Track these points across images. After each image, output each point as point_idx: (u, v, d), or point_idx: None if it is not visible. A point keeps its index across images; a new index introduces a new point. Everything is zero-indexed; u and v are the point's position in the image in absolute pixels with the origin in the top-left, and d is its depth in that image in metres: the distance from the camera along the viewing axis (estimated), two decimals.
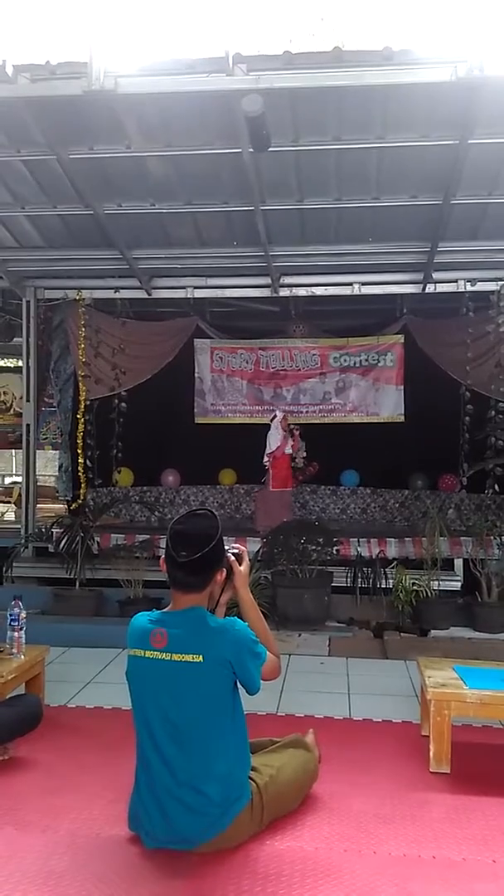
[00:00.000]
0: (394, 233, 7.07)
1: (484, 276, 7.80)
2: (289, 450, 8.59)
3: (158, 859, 2.55)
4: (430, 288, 7.93)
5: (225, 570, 2.70)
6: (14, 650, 3.86)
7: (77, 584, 6.92)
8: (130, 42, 4.79)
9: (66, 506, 9.34)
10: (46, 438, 12.18)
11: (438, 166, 5.86)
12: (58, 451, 10.43)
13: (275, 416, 8.80)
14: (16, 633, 3.88)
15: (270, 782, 2.77)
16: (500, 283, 7.82)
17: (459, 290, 7.98)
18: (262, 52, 4.69)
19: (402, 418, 9.86)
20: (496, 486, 8.33)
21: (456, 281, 7.87)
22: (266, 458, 8.86)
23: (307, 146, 5.72)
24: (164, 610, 2.70)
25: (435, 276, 7.73)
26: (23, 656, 3.88)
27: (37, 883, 2.41)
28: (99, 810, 2.94)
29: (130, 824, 2.72)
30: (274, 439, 8.64)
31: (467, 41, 4.48)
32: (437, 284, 7.92)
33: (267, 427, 8.89)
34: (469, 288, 7.91)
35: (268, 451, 8.76)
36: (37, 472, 9.03)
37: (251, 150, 5.34)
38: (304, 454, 9.41)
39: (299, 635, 6.04)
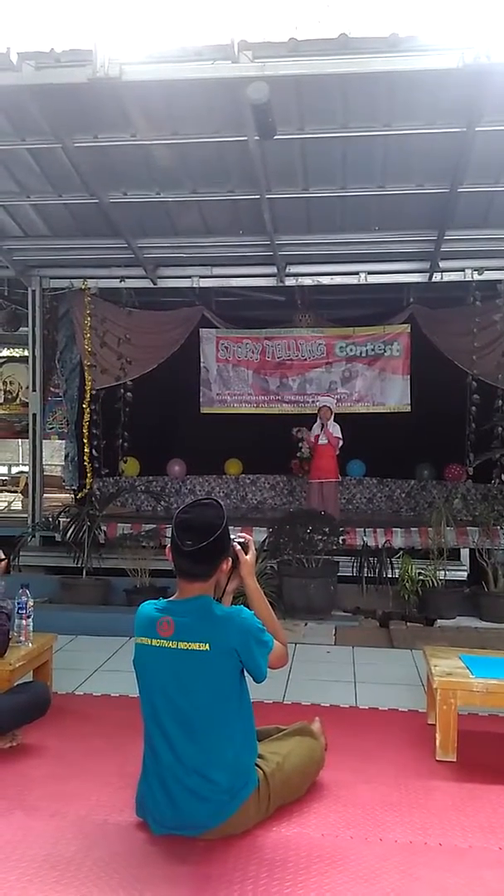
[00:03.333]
0: (400, 221, 7.04)
1: (491, 265, 7.76)
2: (324, 440, 8.44)
3: (165, 845, 2.57)
4: (436, 277, 7.91)
5: (231, 559, 2.71)
6: (22, 638, 3.88)
7: (84, 572, 6.95)
8: (135, 29, 4.75)
9: (72, 495, 9.37)
10: (53, 428, 12.22)
11: (445, 154, 5.83)
12: (64, 441, 10.46)
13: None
14: (24, 622, 3.90)
15: (277, 769, 2.79)
16: None
17: (466, 279, 7.95)
18: (268, 40, 4.64)
19: (408, 408, 9.85)
20: (503, 476, 8.32)
21: (463, 270, 7.84)
22: (304, 449, 8.87)
23: (313, 134, 5.69)
24: (171, 599, 2.71)
25: (442, 264, 7.70)
26: (31, 644, 3.91)
27: (45, 868, 2.43)
28: (106, 796, 2.96)
29: (138, 810, 2.74)
30: (314, 429, 8.57)
31: (474, 27, 4.43)
32: (444, 273, 7.89)
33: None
34: (476, 277, 7.88)
35: (308, 441, 8.74)
36: (43, 462, 9.06)
37: (257, 138, 5.32)
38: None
39: (305, 624, 6.06)
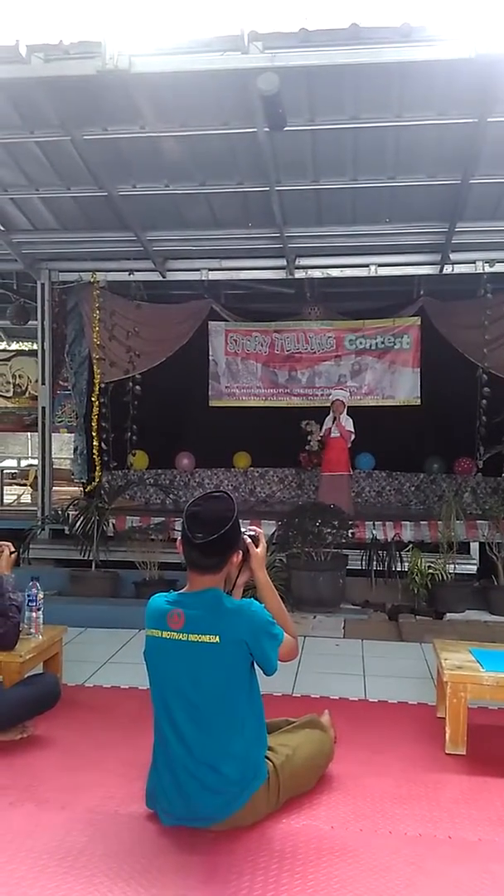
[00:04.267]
0: (411, 213, 7.00)
1: (503, 257, 7.71)
2: (336, 433, 8.37)
3: (175, 836, 2.58)
4: (447, 269, 7.85)
5: (241, 552, 2.71)
6: (32, 630, 3.89)
7: (93, 565, 6.97)
8: (145, 21, 4.73)
9: (81, 488, 9.40)
10: (62, 421, 12.26)
11: (457, 145, 5.79)
12: (73, 434, 10.47)
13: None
14: (34, 614, 3.91)
15: (286, 762, 2.79)
16: None
17: (477, 272, 7.91)
18: (278, 30, 4.61)
19: (417, 401, 9.80)
20: None
21: (474, 262, 7.80)
22: (313, 442, 8.82)
23: (323, 125, 5.66)
24: (181, 591, 2.71)
25: (453, 256, 7.66)
26: (41, 636, 3.92)
27: (56, 858, 2.44)
28: (117, 788, 2.97)
29: (148, 802, 2.75)
30: (326, 422, 8.54)
31: (488, 16, 4.38)
32: (455, 265, 7.84)
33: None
34: (487, 269, 7.83)
35: (320, 434, 8.71)
36: (52, 455, 9.08)
37: (266, 129, 5.30)
38: (320, 437, 9.36)
39: (314, 617, 6.06)
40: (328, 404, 8.67)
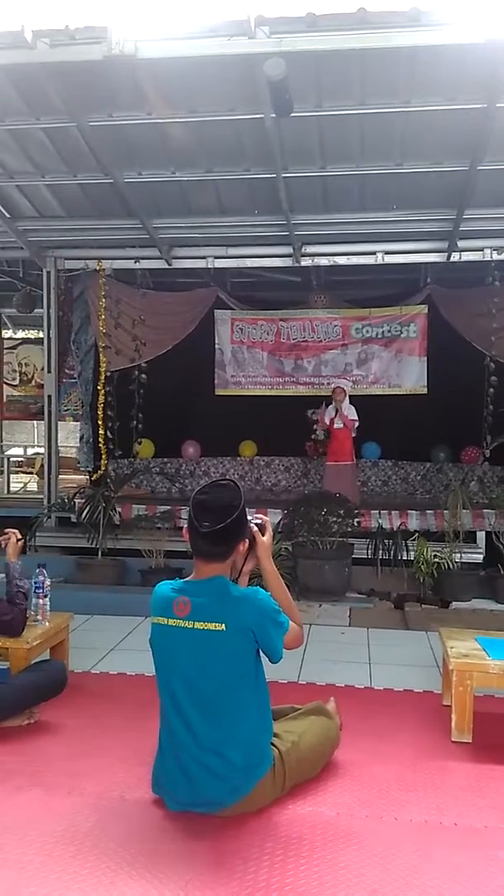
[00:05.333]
0: (418, 200, 6.96)
1: None
2: (339, 423, 8.32)
3: (181, 822, 2.59)
4: (455, 257, 7.81)
5: (248, 540, 2.70)
6: (39, 617, 3.90)
7: (99, 553, 6.99)
8: (151, 5, 4.69)
9: (87, 477, 9.42)
10: (68, 410, 12.26)
11: (465, 131, 5.74)
12: (79, 423, 10.48)
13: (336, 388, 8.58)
14: (41, 601, 3.92)
15: (292, 748, 2.80)
16: None
17: (485, 259, 7.86)
18: (285, 15, 4.56)
19: (424, 390, 9.78)
20: None
21: (482, 249, 7.75)
22: (319, 431, 8.78)
23: (330, 111, 5.62)
24: (187, 579, 2.71)
25: (460, 244, 7.61)
26: (48, 623, 3.93)
27: (63, 843, 2.46)
28: (123, 773, 2.99)
29: (154, 787, 2.76)
30: (328, 412, 8.49)
31: (498, 0, 4.33)
32: (463, 253, 7.79)
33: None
34: (495, 256, 7.79)
35: (322, 424, 8.68)
36: (58, 443, 9.09)
37: (273, 115, 5.26)
38: (319, 428, 9.35)
39: (320, 605, 6.07)
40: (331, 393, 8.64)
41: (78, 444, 10.21)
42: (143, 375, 9.56)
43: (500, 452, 8.93)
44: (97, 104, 5.66)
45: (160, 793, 2.73)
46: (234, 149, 6.25)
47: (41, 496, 8.99)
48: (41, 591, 3.93)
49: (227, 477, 3.29)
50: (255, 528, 2.74)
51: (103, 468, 8.88)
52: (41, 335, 9.45)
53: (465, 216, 6.98)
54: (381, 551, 6.81)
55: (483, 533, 7.28)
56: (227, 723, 2.58)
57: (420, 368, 9.85)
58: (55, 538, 7.76)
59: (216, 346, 10.25)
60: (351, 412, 8.30)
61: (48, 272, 8.57)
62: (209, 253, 8.25)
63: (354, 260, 8.08)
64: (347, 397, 8.42)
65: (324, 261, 8.19)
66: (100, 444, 8.96)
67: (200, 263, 8.46)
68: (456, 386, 9.12)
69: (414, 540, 6.76)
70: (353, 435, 8.43)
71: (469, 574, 6.59)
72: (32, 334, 13.57)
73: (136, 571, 6.79)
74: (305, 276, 9.64)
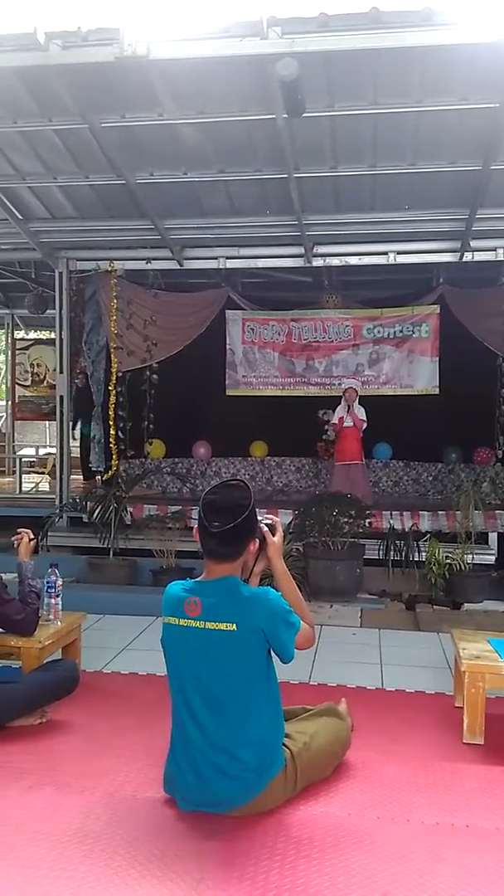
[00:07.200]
0: (431, 200, 6.93)
1: None
2: (349, 422, 8.31)
3: (193, 821, 2.60)
4: (467, 256, 7.78)
5: (258, 540, 2.70)
6: (51, 616, 3.92)
7: (111, 553, 7.01)
8: (163, 6, 4.71)
9: (99, 477, 9.44)
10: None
11: (478, 130, 5.72)
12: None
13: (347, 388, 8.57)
14: (53, 600, 3.94)
15: (304, 749, 2.80)
16: None
17: (498, 259, 7.83)
18: (297, 15, 4.56)
19: (436, 390, 9.73)
20: None
21: (495, 249, 7.71)
22: (330, 432, 8.77)
23: (342, 111, 5.61)
24: (198, 579, 2.72)
25: (473, 244, 7.58)
26: (60, 622, 3.95)
27: (75, 841, 2.47)
28: (135, 773, 2.99)
29: (165, 787, 2.76)
30: (338, 412, 8.49)
31: None
32: (475, 253, 7.76)
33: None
34: None
35: (331, 422, 8.67)
36: (70, 444, 9.13)
37: (285, 115, 5.25)
38: (329, 427, 9.32)
39: (331, 606, 6.06)
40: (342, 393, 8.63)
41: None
42: (155, 376, 9.58)
43: None
44: (109, 105, 5.68)
45: (172, 792, 2.74)
46: (246, 149, 6.25)
47: (53, 496, 9.03)
48: (53, 590, 3.94)
49: (238, 477, 3.29)
50: (266, 528, 2.74)
51: (115, 468, 8.91)
52: (53, 336, 9.49)
53: (477, 216, 6.96)
54: (392, 552, 6.79)
55: (495, 534, 7.25)
56: (238, 723, 2.58)
57: (432, 369, 9.81)
58: (67, 538, 7.79)
59: (227, 347, 10.25)
60: (360, 412, 8.31)
61: (60, 273, 8.60)
62: (221, 253, 8.26)
63: (366, 260, 8.06)
64: (358, 397, 8.42)
65: (335, 261, 8.17)
66: (111, 445, 8.99)
67: (212, 264, 8.47)
68: (468, 386, 9.08)
69: (426, 541, 6.73)
70: (361, 435, 8.43)
71: (481, 575, 6.56)
72: (44, 335, 13.64)
73: (147, 571, 6.80)
74: (317, 277, 9.63)
